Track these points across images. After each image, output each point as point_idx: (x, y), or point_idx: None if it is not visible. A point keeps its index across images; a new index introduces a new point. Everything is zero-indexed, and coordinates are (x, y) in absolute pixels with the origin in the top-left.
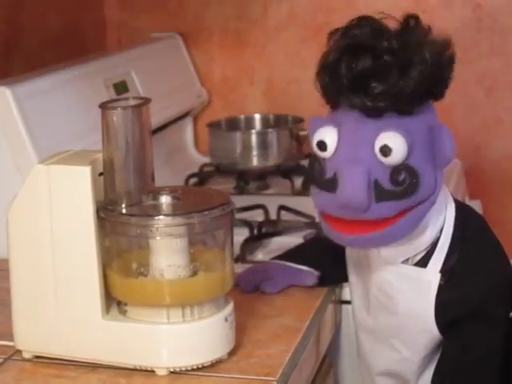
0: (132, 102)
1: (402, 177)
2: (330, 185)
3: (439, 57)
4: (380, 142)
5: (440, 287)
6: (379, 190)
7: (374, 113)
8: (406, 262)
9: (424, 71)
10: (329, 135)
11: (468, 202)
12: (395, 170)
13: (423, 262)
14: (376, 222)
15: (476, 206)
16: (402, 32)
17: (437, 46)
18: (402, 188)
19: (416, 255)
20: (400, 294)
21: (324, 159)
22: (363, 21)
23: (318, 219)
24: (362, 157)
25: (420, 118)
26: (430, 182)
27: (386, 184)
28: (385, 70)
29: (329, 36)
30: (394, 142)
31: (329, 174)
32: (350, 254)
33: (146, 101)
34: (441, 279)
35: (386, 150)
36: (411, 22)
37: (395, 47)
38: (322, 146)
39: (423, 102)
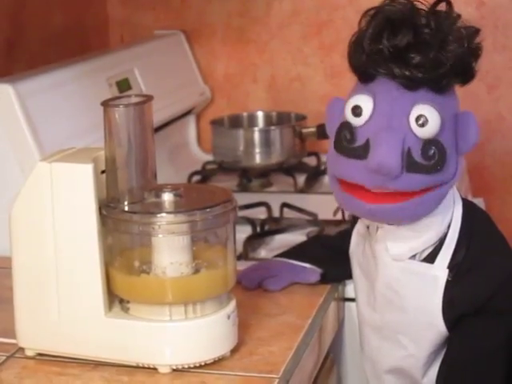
0: (134, 100)
1: (432, 151)
2: (362, 152)
3: (472, 39)
4: (416, 112)
5: (447, 283)
6: (411, 160)
7: (410, 84)
8: (413, 257)
9: (460, 48)
10: (364, 102)
11: (471, 199)
12: (427, 144)
13: (431, 258)
14: (402, 194)
15: (479, 203)
16: (437, 12)
17: (469, 29)
18: (431, 163)
19: (423, 251)
20: (407, 290)
21: (355, 127)
22: (397, 0)
23: (331, 186)
24: (398, 124)
25: (450, 100)
26: (453, 165)
27: (417, 156)
28: (424, 43)
29: (362, 15)
30: (429, 113)
31: (360, 142)
32: (355, 250)
33: (148, 98)
34: (448, 275)
35: (422, 120)
36: (443, 6)
37: (432, 25)
38: (356, 110)
39: (457, 80)
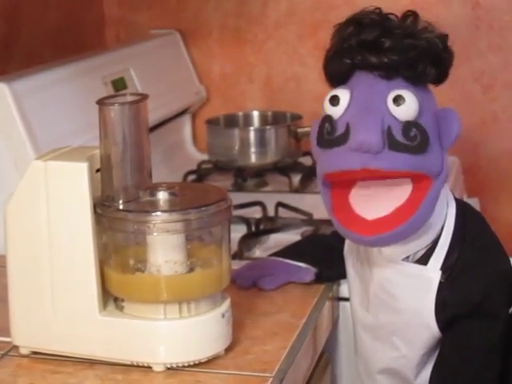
0: (130, 99)
1: (413, 132)
2: (343, 137)
3: (443, 40)
4: (392, 94)
5: (440, 284)
6: (392, 138)
7: (386, 73)
8: (406, 259)
9: (430, 39)
10: (341, 93)
11: (466, 199)
12: (407, 125)
13: (424, 260)
14: (396, 216)
15: (474, 203)
16: (405, 22)
17: (439, 33)
18: (414, 144)
19: (417, 252)
20: (400, 291)
21: (335, 120)
22: (366, 11)
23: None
24: (375, 106)
25: (427, 95)
26: (438, 157)
27: (399, 136)
28: (393, 33)
29: (332, 34)
30: (406, 95)
31: (340, 130)
32: (349, 251)
33: (143, 97)
34: (441, 276)
35: (398, 100)
36: (410, 18)
37: (401, 24)
38: (334, 100)
39: (431, 72)
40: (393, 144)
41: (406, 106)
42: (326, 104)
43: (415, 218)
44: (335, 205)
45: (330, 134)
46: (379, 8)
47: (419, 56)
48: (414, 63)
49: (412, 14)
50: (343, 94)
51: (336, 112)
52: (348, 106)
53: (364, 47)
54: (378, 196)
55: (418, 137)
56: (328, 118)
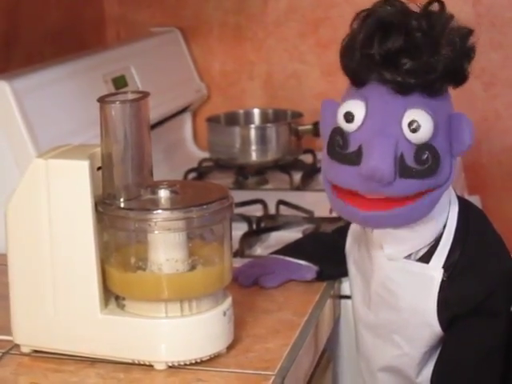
0: (131, 96)
1: (425, 156)
2: (354, 158)
3: (465, 41)
4: (408, 117)
5: (442, 283)
6: (404, 165)
7: (402, 89)
8: (408, 257)
9: (453, 52)
10: (356, 108)
11: (467, 197)
12: (420, 148)
13: (426, 258)
14: (395, 200)
15: (475, 201)
16: (428, 14)
17: (462, 31)
18: (424, 167)
19: (419, 251)
20: (402, 289)
21: (348, 133)
22: (389, 2)
23: (326, 192)
24: (390, 130)
25: (443, 103)
26: (447, 168)
27: (410, 161)
28: (415, 48)
29: (353, 18)
30: (421, 118)
31: (352, 148)
32: (351, 248)
33: (144, 95)
34: (443, 275)
35: (415, 125)
36: (435, 6)
37: (424, 27)
38: (349, 117)
39: (450, 83)
40: (404, 171)
41: (421, 131)
42: (340, 118)
43: (413, 206)
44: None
45: (342, 149)
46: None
47: (438, 78)
48: (431, 84)
49: (436, 1)
50: (358, 110)
51: (349, 127)
52: (362, 123)
53: (384, 62)
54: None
55: (429, 160)
56: (340, 131)
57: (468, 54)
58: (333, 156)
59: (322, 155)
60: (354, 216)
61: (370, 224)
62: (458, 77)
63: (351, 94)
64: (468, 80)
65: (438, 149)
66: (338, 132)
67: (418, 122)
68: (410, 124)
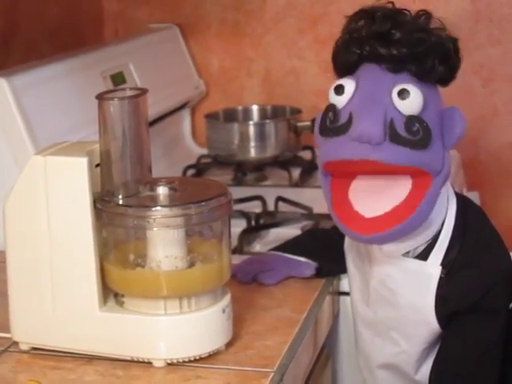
0: (129, 93)
1: (415, 127)
2: (345, 126)
3: (453, 40)
4: (398, 88)
5: (440, 280)
6: (394, 131)
7: (394, 66)
8: (406, 254)
9: (441, 37)
10: (347, 83)
11: (466, 193)
12: (410, 119)
13: (424, 255)
14: (395, 214)
15: (474, 197)
16: (417, 19)
17: (449, 35)
18: (416, 138)
19: (417, 248)
20: (400, 286)
21: (339, 109)
22: (378, 5)
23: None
24: (380, 97)
25: (433, 93)
26: (439, 154)
27: (401, 129)
28: (405, 26)
29: (345, 23)
30: (411, 89)
31: (343, 120)
32: (349, 246)
33: (142, 92)
34: (441, 272)
35: (403, 93)
36: (423, 16)
37: (412, 17)
38: (339, 89)
39: (440, 70)
40: (394, 137)
41: (410, 99)
42: (331, 93)
43: (414, 217)
44: (335, 199)
45: (333, 123)
46: (392, 2)
47: (428, 51)
48: (423, 58)
49: (425, 13)
50: (348, 84)
51: (340, 101)
52: (352, 96)
53: (373, 38)
54: (378, 192)
55: (420, 132)
56: (332, 107)
57: (455, 46)
58: (324, 132)
59: (318, 164)
60: (358, 239)
61: (375, 244)
62: (448, 62)
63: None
64: (464, 73)
65: (428, 124)
66: (329, 108)
67: (408, 90)
68: (399, 93)
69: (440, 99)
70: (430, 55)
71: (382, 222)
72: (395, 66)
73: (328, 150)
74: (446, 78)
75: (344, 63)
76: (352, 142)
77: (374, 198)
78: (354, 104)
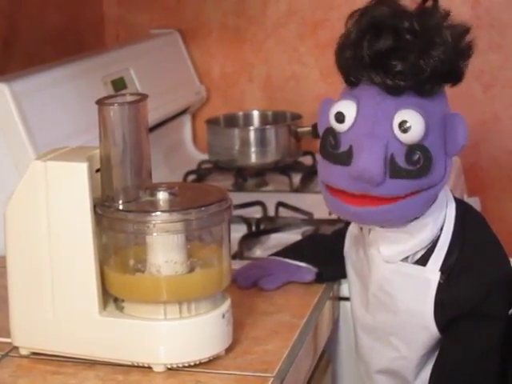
0: (129, 99)
1: (416, 156)
2: (345, 158)
3: (459, 40)
4: (399, 117)
5: (439, 286)
6: (394, 166)
7: (392, 91)
8: (405, 260)
9: (444, 53)
10: (347, 108)
11: (467, 198)
12: (411, 149)
13: (423, 261)
14: (386, 198)
15: (475, 202)
16: (422, 13)
17: (457, 30)
18: (416, 168)
19: (416, 253)
20: (399, 292)
21: (339, 133)
22: (382, 2)
23: (321, 192)
24: (381, 131)
25: (436, 103)
26: (441, 168)
27: (401, 162)
28: (406, 49)
29: (348, 17)
30: (412, 119)
31: (343, 148)
32: (349, 251)
33: (143, 97)
34: (440, 278)
35: (405, 126)
36: (429, 4)
37: (416, 28)
38: (339, 117)
39: (442, 84)
40: (394, 172)
41: (411, 131)
42: (331, 118)
43: (404, 203)
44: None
45: (334, 149)
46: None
47: (427, 78)
48: (422, 85)
49: (431, 13)
50: (349, 110)
51: (341, 128)
52: (353, 124)
53: (372, 66)
54: None
55: (421, 160)
56: (332, 131)
57: (463, 52)
58: (325, 156)
59: (318, 156)
60: (345, 212)
61: (362, 219)
62: (451, 77)
63: (344, 94)
64: (465, 79)
65: (430, 149)
66: (329, 132)
67: (409, 122)
68: (400, 124)
69: (444, 103)
70: (429, 80)
71: (371, 199)
72: (394, 91)
73: (329, 175)
74: (451, 85)
75: (345, 75)
76: (352, 178)
77: None
78: (355, 134)
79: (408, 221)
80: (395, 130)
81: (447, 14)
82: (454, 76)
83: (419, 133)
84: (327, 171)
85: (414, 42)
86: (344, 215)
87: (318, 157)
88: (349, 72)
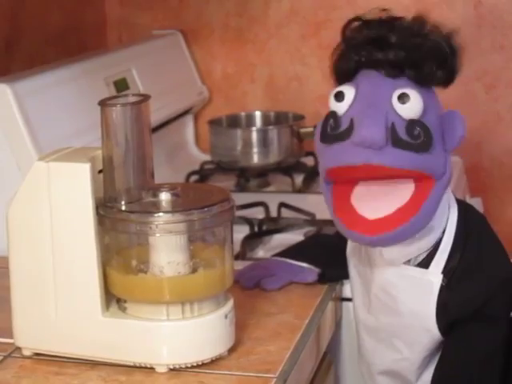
0: (131, 99)
1: (416, 131)
2: (346, 132)
3: (450, 36)
4: (398, 92)
5: (442, 288)
6: (395, 135)
7: (392, 70)
8: (407, 262)
9: (439, 38)
10: (347, 89)
11: (469, 199)
12: (411, 123)
13: (425, 263)
14: (397, 216)
15: (477, 203)
16: (413, 23)
17: (447, 30)
18: (418, 142)
19: (418, 256)
20: (401, 294)
21: (340, 116)
22: (374, 12)
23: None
24: (380, 103)
25: (432, 97)
26: (441, 158)
27: (402, 133)
28: (403, 31)
29: (342, 29)
30: (411, 93)
31: (344, 126)
32: (352, 252)
33: (145, 98)
34: (443, 280)
35: (403, 98)
36: (418, 20)
37: (410, 23)
38: (339, 96)
39: (438, 74)
40: (396, 141)
41: (410, 104)
42: (331, 100)
43: (416, 219)
44: (337, 204)
45: (334, 130)
46: (387, 9)
47: (425, 56)
48: (420, 63)
49: (421, 18)
50: (348, 90)
51: (341, 108)
52: (353, 102)
53: (370, 43)
54: (380, 196)
55: (421, 135)
56: (332, 114)
57: (454, 49)
58: (325, 139)
59: (318, 158)
60: (361, 241)
61: (379, 246)
62: (445, 66)
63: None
64: (467, 79)
65: (429, 128)
66: (330, 116)
67: (408, 94)
68: (399, 97)
69: (439, 104)
70: (428, 60)
71: (385, 223)
72: (394, 71)
73: (329, 156)
74: (446, 81)
75: (343, 71)
76: (354, 148)
77: (376, 202)
78: (355, 110)
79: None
80: (394, 102)
81: (436, 26)
82: (448, 69)
83: (418, 107)
84: (327, 155)
85: (410, 27)
86: (361, 243)
87: (318, 147)
88: (347, 57)
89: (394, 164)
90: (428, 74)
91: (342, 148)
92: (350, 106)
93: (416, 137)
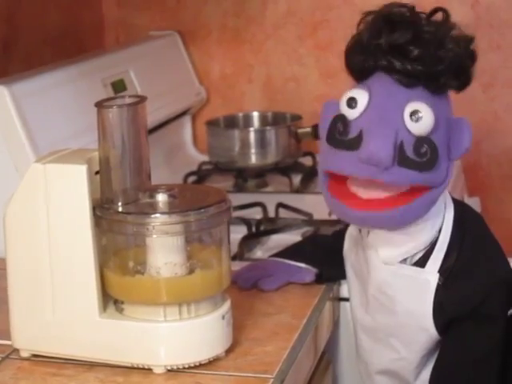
0: (128, 101)
1: (424, 149)
2: (354, 143)
3: (468, 43)
4: (411, 108)
5: (438, 287)
6: (403, 154)
7: (408, 80)
8: (404, 261)
9: (458, 48)
10: (360, 95)
11: (467, 198)
12: (419, 141)
13: (422, 262)
14: (390, 200)
15: (475, 202)
16: (434, 23)
17: (465, 36)
18: (423, 160)
19: (414, 255)
20: (398, 293)
21: (350, 120)
22: (396, 4)
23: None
24: (392, 118)
25: (443, 104)
26: (444, 169)
27: (410, 152)
28: (424, 40)
29: (360, 19)
30: (424, 110)
31: (353, 134)
32: (349, 252)
33: (141, 99)
34: (439, 279)
35: (417, 116)
36: (440, 15)
37: (432, 27)
38: (352, 102)
39: (453, 82)
40: (402, 160)
41: (422, 122)
42: (343, 104)
43: (407, 208)
44: (332, 186)
45: (342, 135)
46: (406, 5)
47: (444, 70)
48: (438, 76)
49: (445, 21)
50: (361, 97)
51: (352, 114)
52: (365, 110)
53: (392, 51)
54: (376, 185)
55: (428, 153)
56: (342, 118)
57: (471, 55)
58: (332, 142)
59: (320, 149)
60: (348, 215)
61: (364, 223)
62: (462, 76)
63: (356, 84)
64: (470, 84)
65: (437, 144)
66: (339, 119)
67: (420, 112)
68: (412, 114)
69: (450, 107)
70: (445, 73)
71: (376, 203)
72: (410, 81)
73: (334, 161)
74: (460, 87)
75: (358, 67)
76: (360, 162)
77: (371, 187)
78: (366, 120)
79: (408, 224)
80: (406, 119)
81: (455, 24)
82: (464, 77)
83: (429, 125)
84: (332, 158)
85: (431, 36)
86: (346, 218)
87: (322, 145)
88: (364, 61)
89: (397, 183)
90: (444, 85)
91: (348, 159)
92: (362, 114)
93: (422, 155)
